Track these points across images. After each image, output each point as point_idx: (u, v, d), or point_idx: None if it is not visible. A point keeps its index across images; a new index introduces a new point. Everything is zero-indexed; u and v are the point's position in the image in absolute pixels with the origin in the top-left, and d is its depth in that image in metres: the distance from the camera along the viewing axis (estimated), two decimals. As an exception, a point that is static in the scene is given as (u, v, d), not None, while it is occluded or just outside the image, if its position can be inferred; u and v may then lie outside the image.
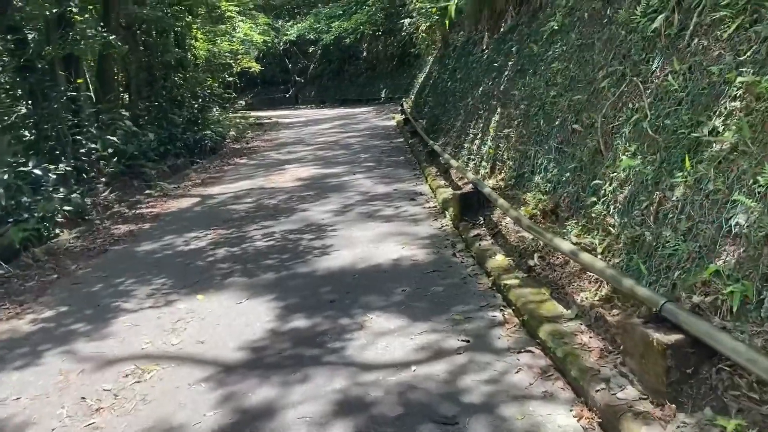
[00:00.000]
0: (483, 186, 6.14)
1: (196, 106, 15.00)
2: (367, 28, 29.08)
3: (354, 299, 4.60)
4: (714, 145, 3.19)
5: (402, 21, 22.71)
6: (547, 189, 5.32)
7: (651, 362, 2.68)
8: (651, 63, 4.24)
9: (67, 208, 7.35)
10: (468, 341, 3.75)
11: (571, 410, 2.92)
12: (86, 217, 7.82)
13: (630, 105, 4.33)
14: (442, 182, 8.46)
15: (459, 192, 6.54)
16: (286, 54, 38.51)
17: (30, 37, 8.79)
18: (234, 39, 21.09)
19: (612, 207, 4.06)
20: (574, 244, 4.03)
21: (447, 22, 13.47)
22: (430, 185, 8.74)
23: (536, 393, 3.10)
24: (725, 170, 3.05)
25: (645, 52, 4.40)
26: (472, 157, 8.41)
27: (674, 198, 3.38)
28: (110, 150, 9.80)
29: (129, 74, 13.23)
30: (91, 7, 11.63)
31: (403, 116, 17.07)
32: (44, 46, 8.68)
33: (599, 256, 3.87)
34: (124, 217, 8.37)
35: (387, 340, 3.86)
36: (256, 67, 25.18)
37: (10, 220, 6.47)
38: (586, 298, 3.80)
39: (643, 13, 4.51)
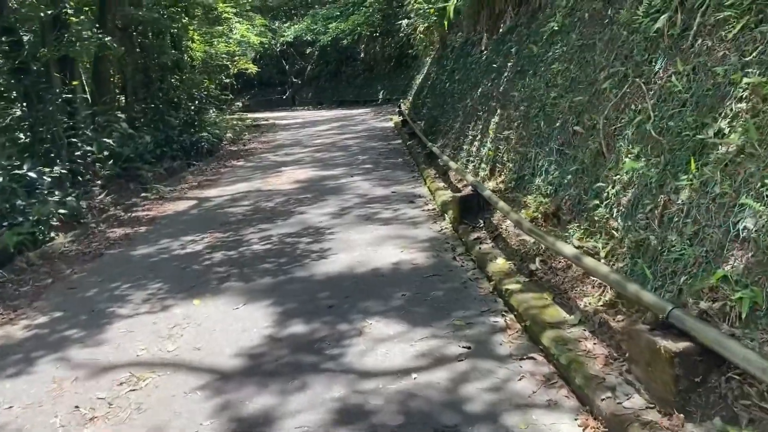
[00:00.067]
0: (483, 188, 6.08)
1: (192, 108, 14.91)
2: (364, 29, 29.06)
3: (353, 304, 4.53)
4: (720, 147, 3.13)
5: (400, 22, 22.66)
6: (548, 191, 5.26)
7: (658, 370, 2.62)
8: (654, 64, 4.18)
9: (62, 211, 7.29)
10: (469, 348, 3.68)
11: (575, 419, 2.85)
12: (81, 221, 7.73)
13: (633, 106, 4.27)
14: (441, 184, 8.40)
15: (458, 195, 6.47)
16: (283, 55, 38.46)
17: (25, 38, 8.72)
18: (231, 40, 21.01)
19: (615, 210, 4.00)
20: (577, 247, 3.97)
21: (445, 22, 13.38)
22: (428, 187, 8.67)
23: (540, 401, 3.04)
24: (732, 173, 2.99)
25: (647, 52, 4.35)
26: (471, 158, 8.35)
27: (679, 201, 3.32)
28: (106, 152, 9.71)
29: (125, 76, 13.16)
30: (86, 8, 11.57)
31: (401, 118, 17.03)
32: (39, 48, 8.60)
33: (602, 261, 3.81)
34: (119, 220, 8.29)
35: (387, 346, 3.79)
36: (253, 69, 25.18)
37: (5, 223, 6.39)
38: (590, 304, 3.74)
39: (645, 13, 4.46)
